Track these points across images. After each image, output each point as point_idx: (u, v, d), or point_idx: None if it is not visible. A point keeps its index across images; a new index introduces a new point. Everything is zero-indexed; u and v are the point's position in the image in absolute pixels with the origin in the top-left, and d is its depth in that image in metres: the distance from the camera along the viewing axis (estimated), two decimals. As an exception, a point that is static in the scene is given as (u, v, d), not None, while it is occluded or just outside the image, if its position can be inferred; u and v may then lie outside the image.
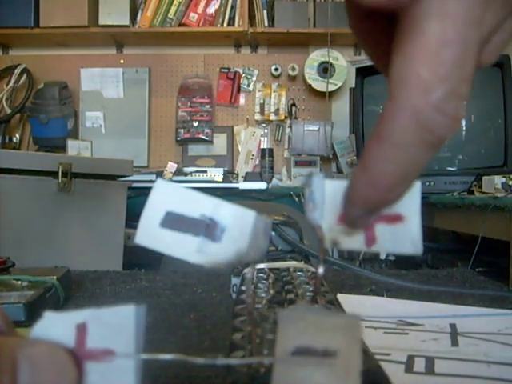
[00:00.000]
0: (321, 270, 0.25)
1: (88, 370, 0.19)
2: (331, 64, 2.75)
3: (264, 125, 2.94)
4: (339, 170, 2.84)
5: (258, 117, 2.93)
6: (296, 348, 0.18)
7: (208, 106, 2.90)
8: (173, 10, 2.74)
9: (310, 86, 2.83)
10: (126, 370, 0.18)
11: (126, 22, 2.72)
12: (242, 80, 2.94)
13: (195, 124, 2.89)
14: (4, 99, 2.78)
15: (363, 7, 0.21)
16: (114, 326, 0.19)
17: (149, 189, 0.22)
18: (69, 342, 0.19)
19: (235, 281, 0.49)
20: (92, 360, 0.19)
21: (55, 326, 0.19)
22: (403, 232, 0.22)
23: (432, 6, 0.19)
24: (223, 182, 2.51)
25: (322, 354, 0.18)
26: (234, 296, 0.49)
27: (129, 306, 0.19)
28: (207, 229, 0.22)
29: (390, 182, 0.20)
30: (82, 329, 0.19)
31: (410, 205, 0.23)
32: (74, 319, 0.19)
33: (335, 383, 0.17)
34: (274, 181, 2.56)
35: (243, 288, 0.33)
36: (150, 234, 0.22)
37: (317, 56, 2.79)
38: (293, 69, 2.87)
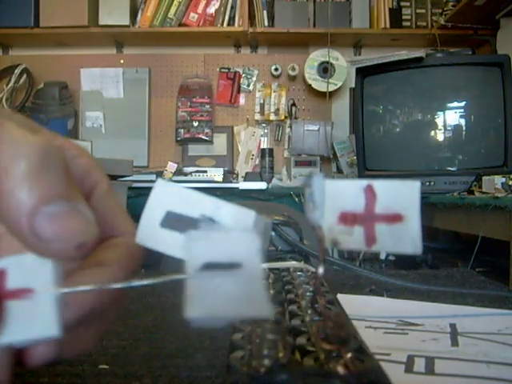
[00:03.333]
0: (321, 269, 0.25)
1: (9, 308, 0.20)
2: (331, 64, 2.75)
3: (264, 125, 2.94)
4: (339, 170, 2.84)
5: (257, 117, 2.93)
6: (204, 263, 0.20)
7: (208, 106, 2.90)
8: (173, 9, 2.74)
9: (310, 86, 2.83)
10: (46, 306, 0.20)
11: (126, 22, 2.72)
12: (241, 80, 2.94)
13: (195, 124, 2.89)
14: (4, 99, 2.78)
15: None
16: (33, 268, 0.20)
17: (149, 189, 0.22)
18: None
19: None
20: (12, 299, 0.20)
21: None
22: (403, 232, 0.22)
23: None
24: (223, 182, 2.51)
25: (227, 266, 0.20)
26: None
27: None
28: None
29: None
30: (1, 273, 0.20)
31: (410, 204, 0.23)
32: None
33: (241, 290, 0.20)
34: (274, 181, 2.57)
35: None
36: (150, 234, 0.22)
37: (317, 56, 2.79)
38: (293, 69, 2.87)
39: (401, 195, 0.23)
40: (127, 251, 0.23)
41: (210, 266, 0.20)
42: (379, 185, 0.23)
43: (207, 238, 0.21)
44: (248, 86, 2.94)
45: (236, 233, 0.21)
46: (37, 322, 0.20)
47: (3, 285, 0.20)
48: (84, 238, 0.19)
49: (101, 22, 2.73)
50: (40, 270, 0.20)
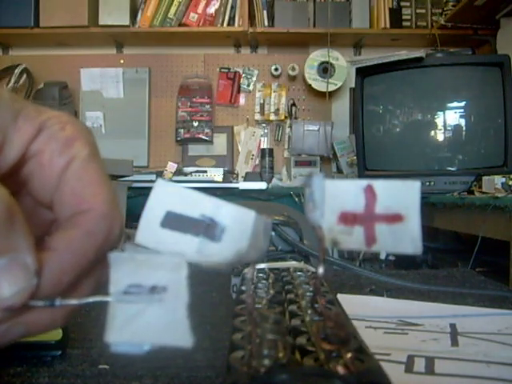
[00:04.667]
0: (321, 269, 0.25)
1: None
2: (331, 64, 2.75)
3: (264, 125, 2.94)
4: (339, 170, 2.84)
5: (258, 117, 2.93)
6: (128, 286, 0.20)
7: (208, 106, 2.90)
8: (173, 9, 2.74)
9: (310, 85, 2.83)
10: None
11: (126, 22, 2.71)
12: (242, 80, 2.94)
13: (195, 124, 2.89)
14: (4, 99, 2.78)
15: None
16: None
17: (149, 189, 0.22)
18: None
19: (235, 281, 0.49)
20: None
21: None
22: (403, 232, 0.22)
23: None
24: (223, 182, 2.51)
25: (151, 291, 0.20)
26: (234, 296, 0.49)
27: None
28: (207, 229, 0.22)
29: None
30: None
31: (410, 204, 0.23)
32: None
33: (165, 316, 0.20)
34: (274, 181, 2.56)
35: (243, 288, 0.33)
36: (150, 234, 0.22)
37: (317, 56, 2.78)
38: (293, 69, 2.87)
39: (401, 195, 0.22)
40: (83, 230, 0.22)
41: (134, 289, 0.20)
42: (379, 185, 0.23)
43: (132, 260, 0.20)
44: (248, 86, 2.94)
45: (163, 257, 0.20)
46: None
47: None
48: (12, 302, 0.19)
49: (101, 22, 2.73)
50: None
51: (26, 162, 0.23)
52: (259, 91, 2.94)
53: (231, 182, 2.53)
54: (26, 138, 0.22)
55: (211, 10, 2.77)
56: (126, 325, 0.20)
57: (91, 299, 0.21)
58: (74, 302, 0.21)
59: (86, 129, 0.25)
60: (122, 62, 2.94)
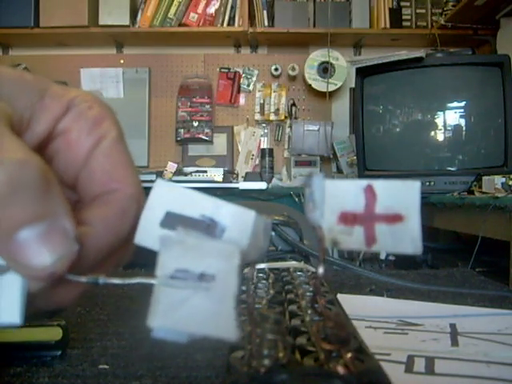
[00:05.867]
0: (321, 269, 0.25)
1: None
2: (331, 64, 2.75)
3: (264, 125, 2.94)
4: (339, 170, 2.84)
5: (258, 117, 2.93)
6: (175, 271, 0.19)
7: (208, 106, 2.90)
8: (173, 9, 2.74)
9: (310, 86, 2.83)
10: (13, 284, 0.19)
11: (126, 22, 2.72)
12: (242, 80, 2.94)
13: (195, 124, 2.89)
14: (4, 99, 2.78)
15: None
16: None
17: (149, 189, 0.22)
18: None
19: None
20: None
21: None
22: (403, 231, 0.22)
23: None
24: (223, 182, 2.51)
25: (199, 278, 0.19)
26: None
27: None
28: (207, 229, 0.22)
29: None
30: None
31: (410, 204, 0.23)
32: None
33: (210, 306, 0.19)
34: (274, 181, 2.56)
35: (243, 288, 0.33)
36: (150, 233, 0.22)
37: (317, 56, 2.79)
38: (293, 69, 2.87)
39: (401, 195, 0.23)
40: (117, 208, 0.22)
41: (181, 275, 0.19)
42: (379, 185, 0.23)
43: (182, 244, 0.20)
44: (248, 86, 2.94)
45: (215, 243, 0.20)
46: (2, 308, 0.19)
47: None
48: (54, 269, 0.19)
49: (101, 22, 2.73)
50: None
51: (53, 140, 0.23)
52: (259, 91, 2.94)
53: (231, 182, 2.53)
54: (53, 116, 0.22)
55: (211, 10, 2.77)
56: (170, 311, 0.19)
57: (134, 280, 0.20)
58: (117, 281, 0.20)
59: (112, 109, 0.24)
60: (121, 62, 2.94)
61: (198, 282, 0.19)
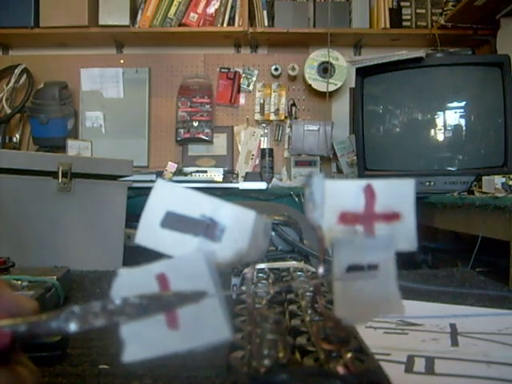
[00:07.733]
0: (321, 269, 0.25)
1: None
2: (331, 64, 2.75)
3: (264, 125, 2.94)
4: (339, 170, 2.84)
5: (258, 117, 2.93)
6: (349, 266, 0.22)
7: (208, 106, 2.90)
8: (173, 9, 2.74)
9: (310, 86, 2.83)
10: (213, 308, 0.21)
11: (126, 22, 2.71)
12: (241, 80, 2.94)
13: (195, 124, 2.89)
14: (4, 99, 2.78)
15: None
16: (190, 272, 0.21)
17: (149, 189, 0.22)
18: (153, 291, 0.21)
19: (235, 281, 0.49)
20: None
21: (134, 280, 0.22)
22: (399, 229, 0.23)
23: None
24: (223, 182, 2.51)
25: (367, 268, 0.22)
26: (234, 296, 0.49)
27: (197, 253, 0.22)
28: (207, 229, 0.22)
29: None
30: (162, 279, 0.21)
31: (405, 202, 0.23)
32: (150, 272, 0.22)
33: (379, 290, 0.22)
34: (274, 181, 2.56)
35: (243, 288, 0.33)
36: (150, 234, 0.22)
37: (317, 56, 2.78)
38: (293, 69, 2.87)
39: (396, 193, 0.23)
40: None
41: (353, 268, 0.22)
42: (376, 184, 0.23)
43: (351, 243, 0.23)
44: (248, 86, 2.94)
45: (373, 240, 0.23)
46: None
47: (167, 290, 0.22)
48: None
49: (101, 22, 2.73)
50: (197, 274, 0.21)
51: None
52: (259, 91, 2.94)
53: (231, 182, 2.53)
54: None
55: (211, 10, 2.77)
56: (351, 301, 0.22)
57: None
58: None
59: None
60: (121, 62, 2.94)
61: (366, 272, 0.22)
